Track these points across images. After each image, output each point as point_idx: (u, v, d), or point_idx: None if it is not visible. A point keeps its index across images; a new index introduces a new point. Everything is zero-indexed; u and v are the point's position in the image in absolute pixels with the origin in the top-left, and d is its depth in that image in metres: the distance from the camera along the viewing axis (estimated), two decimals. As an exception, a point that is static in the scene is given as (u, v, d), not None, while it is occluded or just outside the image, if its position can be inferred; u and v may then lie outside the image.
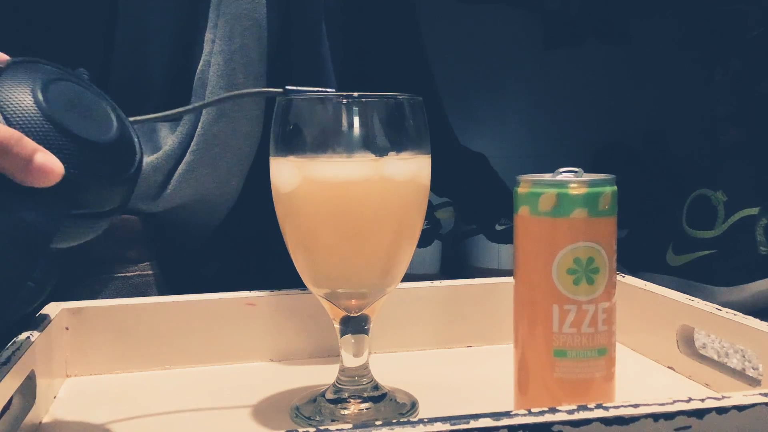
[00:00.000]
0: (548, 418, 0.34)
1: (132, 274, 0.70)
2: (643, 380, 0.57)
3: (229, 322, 0.61)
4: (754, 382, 0.51)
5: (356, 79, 0.82)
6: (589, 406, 0.35)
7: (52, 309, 0.57)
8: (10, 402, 0.46)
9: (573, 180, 0.45)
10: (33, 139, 0.38)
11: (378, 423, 0.33)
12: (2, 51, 0.43)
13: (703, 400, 0.36)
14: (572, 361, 0.45)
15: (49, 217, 0.38)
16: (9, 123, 0.38)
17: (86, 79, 0.45)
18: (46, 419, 0.50)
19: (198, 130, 0.69)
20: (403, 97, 0.48)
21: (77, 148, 0.39)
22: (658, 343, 0.59)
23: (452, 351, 0.64)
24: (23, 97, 0.39)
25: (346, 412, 0.49)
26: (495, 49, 1.42)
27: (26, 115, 0.38)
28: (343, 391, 0.51)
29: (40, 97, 0.39)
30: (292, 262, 0.50)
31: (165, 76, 0.75)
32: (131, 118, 0.46)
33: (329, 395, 0.51)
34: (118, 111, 0.44)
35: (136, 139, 0.44)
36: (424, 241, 1.02)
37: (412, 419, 0.33)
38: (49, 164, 0.38)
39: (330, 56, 0.73)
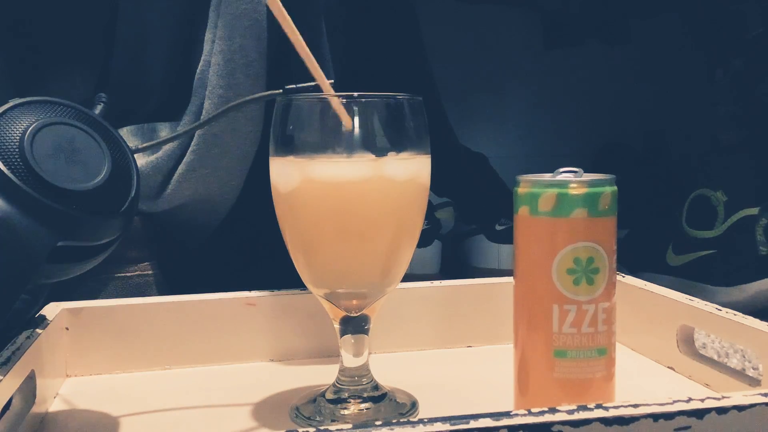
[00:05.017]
0: (548, 418, 0.34)
1: (132, 274, 0.70)
2: (643, 380, 0.57)
3: (229, 322, 0.61)
4: (754, 382, 0.51)
5: (356, 79, 0.82)
6: (589, 406, 0.35)
7: (52, 309, 0.57)
8: (10, 402, 0.46)
9: (573, 180, 0.45)
10: (14, 184, 0.40)
11: (378, 423, 0.33)
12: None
13: (703, 400, 0.36)
14: (572, 361, 0.45)
15: (34, 246, 0.40)
16: None
17: (97, 110, 0.46)
18: (46, 419, 0.50)
19: (198, 130, 0.69)
20: (403, 97, 0.48)
21: (55, 196, 0.41)
22: (658, 343, 0.59)
23: (452, 351, 0.64)
24: (11, 145, 0.41)
25: (346, 412, 0.49)
26: (495, 49, 1.42)
27: (10, 161, 0.41)
28: (343, 391, 0.51)
29: (27, 144, 0.41)
30: (292, 262, 0.50)
31: (165, 76, 0.75)
32: (143, 145, 0.47)
33: (329, 395, 0.51)
34: (120, 146, 0.44)
35: (133, 175, 0.45)
36: (424, 241, 1.02)
37: (412, 419, 0.33)
38: None
39: (330, 56, 0.73)
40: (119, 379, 0.58)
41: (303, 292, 0.61)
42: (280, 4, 0.45)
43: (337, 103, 0.46)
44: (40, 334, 0.51)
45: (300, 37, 0.46)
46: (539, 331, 0.45)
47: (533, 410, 0.34)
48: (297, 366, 0.61)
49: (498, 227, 1.05)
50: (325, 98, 0.47)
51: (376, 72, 0.86)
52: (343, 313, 0.50)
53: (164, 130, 0.73)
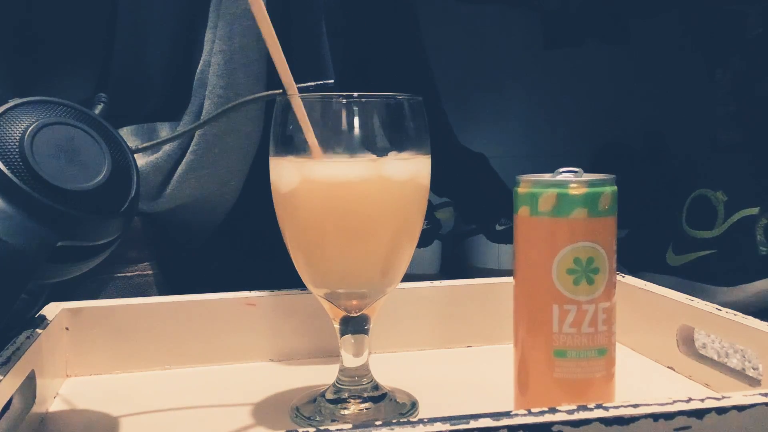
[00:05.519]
0: (548, 418, 0.34)
1: (132, 274, 0.70)
2: (643, 380, 0.57)
3: (229, 322, 0.61)
4: (754, 382, 0.51)
5: (356, 79, 0.82)
6: (589, 406, 0.35)
7: (52, 309, 0.57)
8: (10, 402, 0.46)
9: (573, 180, 0.45)
10: (14, 184, 0.40)
11: (378, 423, 0.33)
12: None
13: (703, 400, 0.36)
14: (572, 361, 0.45)
15: (34, 246, 0.40)
16: None
17: (97, 110, 0.46)
18: (46, 419, 0.50)
19: (198, 130, 0.69)
20: (403, 97, 0.48)
21: (55, 196, 0.41)
22: (658, 343, 0.59)
23: (452, 351, 0.64)
24: (11, 145, 0.41)
25: (346, 412, 0.49)
26: (495, 49, 1.41)
27: (10, 161, 0.41)
28: (343, 391, 0.51)
29: (26, 144, 0.41)
30: (292, 262, 0.50)
31: (165, 76, 0.75)
32: (143, 145, 0.47)
33: (329, 395, 0.51)
34: (120, 146, 0.45)
35: (133, 175, 0.45)
36: (424, 241, 1.02)
37: (412, 419, 0.33)
38: None
39: (330, 56, 0.73)
40: (119, 379, 0.58)
41: (303, 292, 0.61)
42: (262, 4, 0.45)
43: (298, 105, 0.46)
44: (40, 334, 0.51)
45: (275, 39, 0.46)
46: (539, 331, 0.45)
47: (533, 410, 0.34)
48: (297, 366, 0.61)
49: (498, 227, 1.05)
50: (326, 98, 0.47)
51: (376, 72, 0.86)
52: (343, 313, 0.50)
53: (164, 130, 0.73)
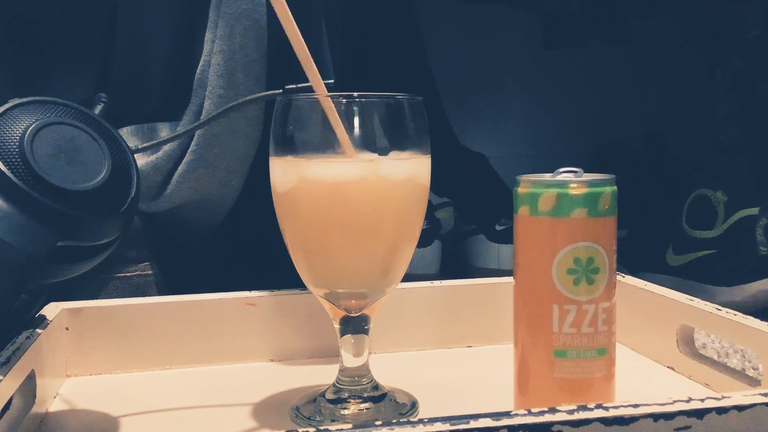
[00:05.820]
0: (548, 418, 0.34)
1: (132, 274, 0.70)
2: (643, 380, 0.57)
3: (229, 322, 0.61)
4: (754, 382, 0.51)
5: (356, 79, 0.82)
6: (589, 406, 0.35)
7: (52, 309, 0.57)
8: (10, 402, 0.46)
9: (573, 180, 0.45)
10: (14, 184, 0.40)
11: (378, 423, 0.33)
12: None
13: (703, 400, 0.36)
14: (572, 361, 0.45)
15: (34, 246, 0.40)
16: None
17: (97, 110, 0.46)
18: (46, 419, 0.50)
19: (198, 130, 0.69)
20: (403, 97, 0.48)
21: (55, 196, 0.41)
22: (658, 343, 0.59)
23: (452, 351, 0.64)
24: (11, 145, 0.41)
25: (346, 412, 0.49)
26: (495, 49, 1.42)
27: (10, 161, 0.41)
28: (343, 391, 0.51)
29: (27, 144, 0.41)
30: (292, 262, 0.50)
31: (165, 76, 0.75)
32: (143, 145, 0.48)
33: (329, 395, 0.51)
34: (120, 146, 0.45)
35: (133, 175, 0.45)
36: (424, 241, 1.02)
37: (412, 419, 0.33)
38: None
39: (330, 56, 0.73)
40: (119, 379, 0.58)
41: (303, 292, 0.61)
42: (284, 2, 0.45)
43: (329, 106, 0.46)
44: (40, 334, 0.51)
45: (301, 38, 0.46)
46: (539, 331, 0.45)
47: (533, 410, 0.34)
48: (297, 366, 0.61)
49: (498, 227, 1.05)
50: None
51: (376, 72, 0.86)
52: (343, 313, 0.50)
53: (164, 130, 0.73)
